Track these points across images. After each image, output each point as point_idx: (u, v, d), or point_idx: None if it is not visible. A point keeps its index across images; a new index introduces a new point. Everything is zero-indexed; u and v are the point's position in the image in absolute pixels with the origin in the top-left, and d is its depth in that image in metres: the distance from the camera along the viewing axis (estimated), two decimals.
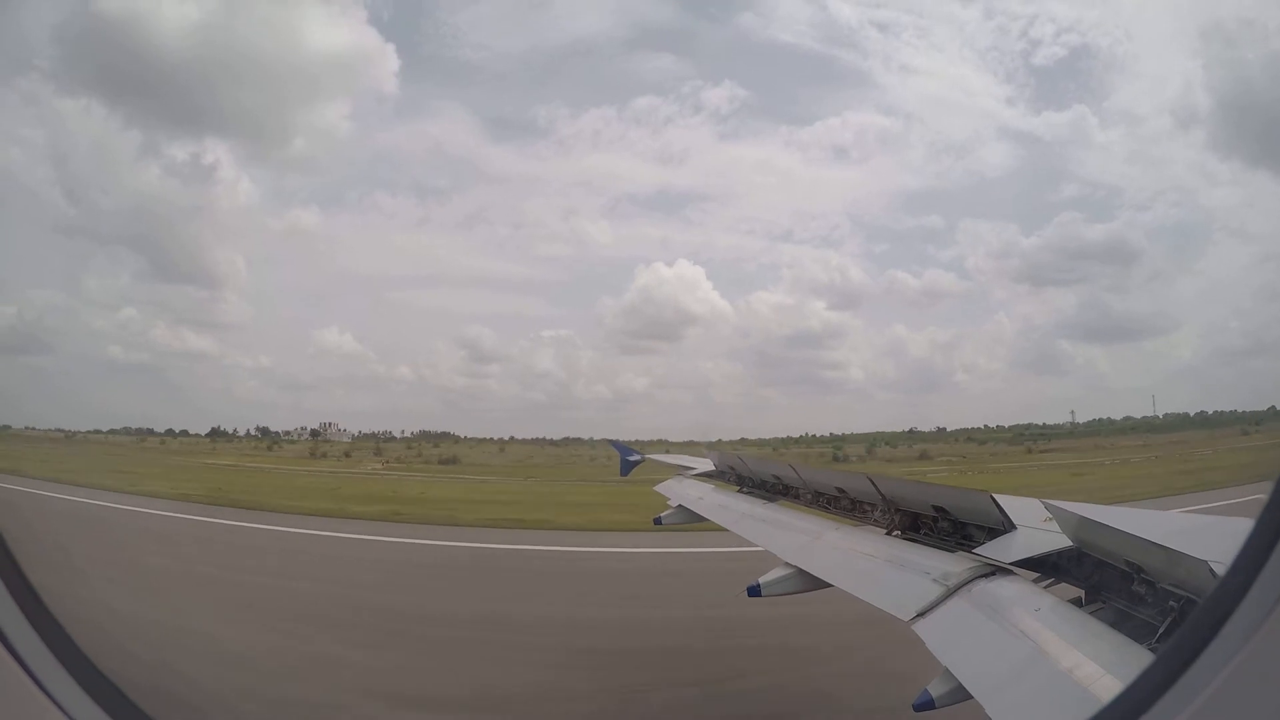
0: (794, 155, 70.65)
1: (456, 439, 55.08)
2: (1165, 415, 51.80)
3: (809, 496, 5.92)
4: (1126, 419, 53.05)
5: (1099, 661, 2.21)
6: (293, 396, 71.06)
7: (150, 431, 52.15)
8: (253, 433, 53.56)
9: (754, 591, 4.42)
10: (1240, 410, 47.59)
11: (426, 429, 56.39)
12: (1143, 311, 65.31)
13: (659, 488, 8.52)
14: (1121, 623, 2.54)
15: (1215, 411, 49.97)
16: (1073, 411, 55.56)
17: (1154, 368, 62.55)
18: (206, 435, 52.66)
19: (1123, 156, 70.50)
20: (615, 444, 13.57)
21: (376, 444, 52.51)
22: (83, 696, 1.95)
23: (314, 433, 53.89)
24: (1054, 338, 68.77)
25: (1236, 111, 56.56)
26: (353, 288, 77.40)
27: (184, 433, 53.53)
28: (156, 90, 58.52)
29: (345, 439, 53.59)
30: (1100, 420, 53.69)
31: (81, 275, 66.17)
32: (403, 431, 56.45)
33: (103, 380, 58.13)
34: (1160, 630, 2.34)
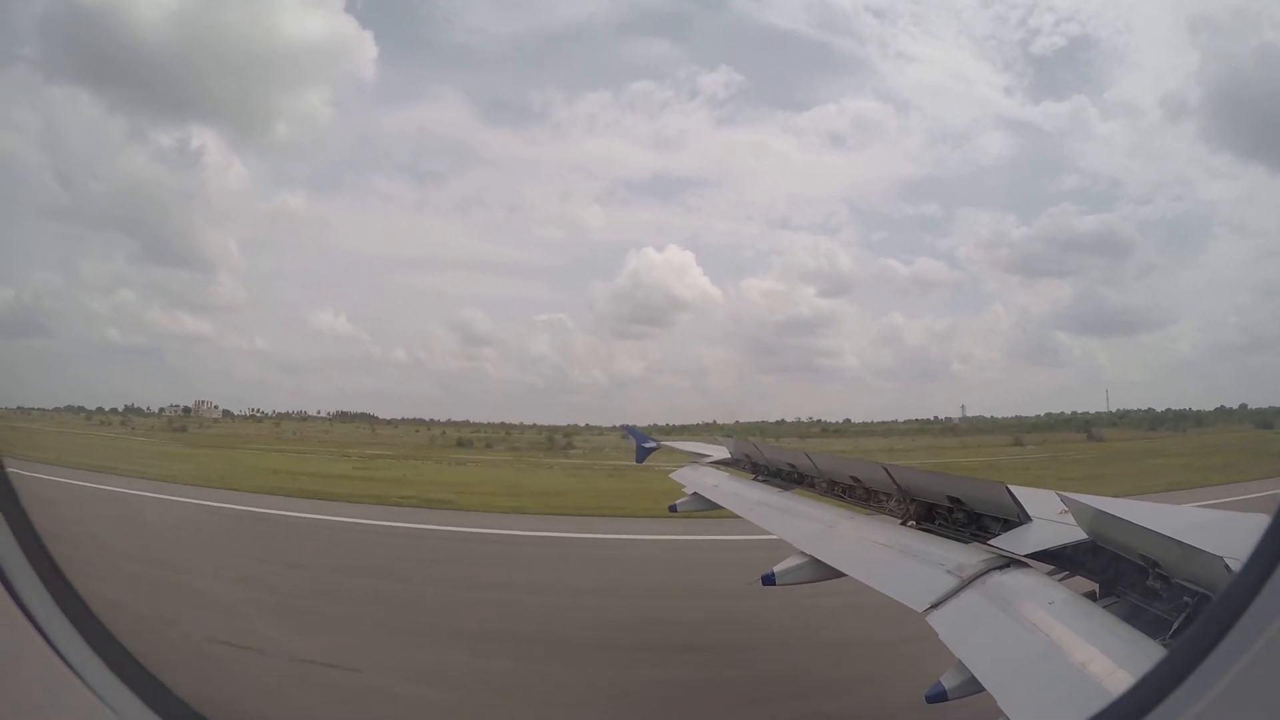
0: (790, 141, 70.07)
1: (375, 419, 57.95)
2: (1118, 410, 51.44)
3: (824, 485, 5.93)
4: (1074, 414, 52.30)
5: (1112, 656, 2.22)
6: (293, 379, 72.44)
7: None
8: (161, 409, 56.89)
9: (768, 580, 4.45)
10: (1195, 409, 47.58)
11: (413, 413, 58.86)
12: (1141, 305, 64.78)
13: (674, 475, 8.58)
14: (1136, 617, 2.54)
15: (1167, 410, 49.61)
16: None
17: (1153, 361, 61.82)
18: (121, 411, 55.47)
19: (1123, 149, 69.18)
20: (630, 430, 13.54)
21: (275, 421, 55.61)
22: (116, 682, 2.04)
23: (186, 410, 56.97)
24: (1050, 329, 68.03)
25: (1235, 104, 55.52)
26: (347, 271, 78.55)
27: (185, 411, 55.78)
28: (138, 78, 59.80)
29: (214, 414, 56.42)
30: (1053, 414, 53.00)
31: (76, 259, 67.75)
32: (318, 412, 59.58)
33: (103, 362, 60.20)
34: (1175, 626, 2.34)
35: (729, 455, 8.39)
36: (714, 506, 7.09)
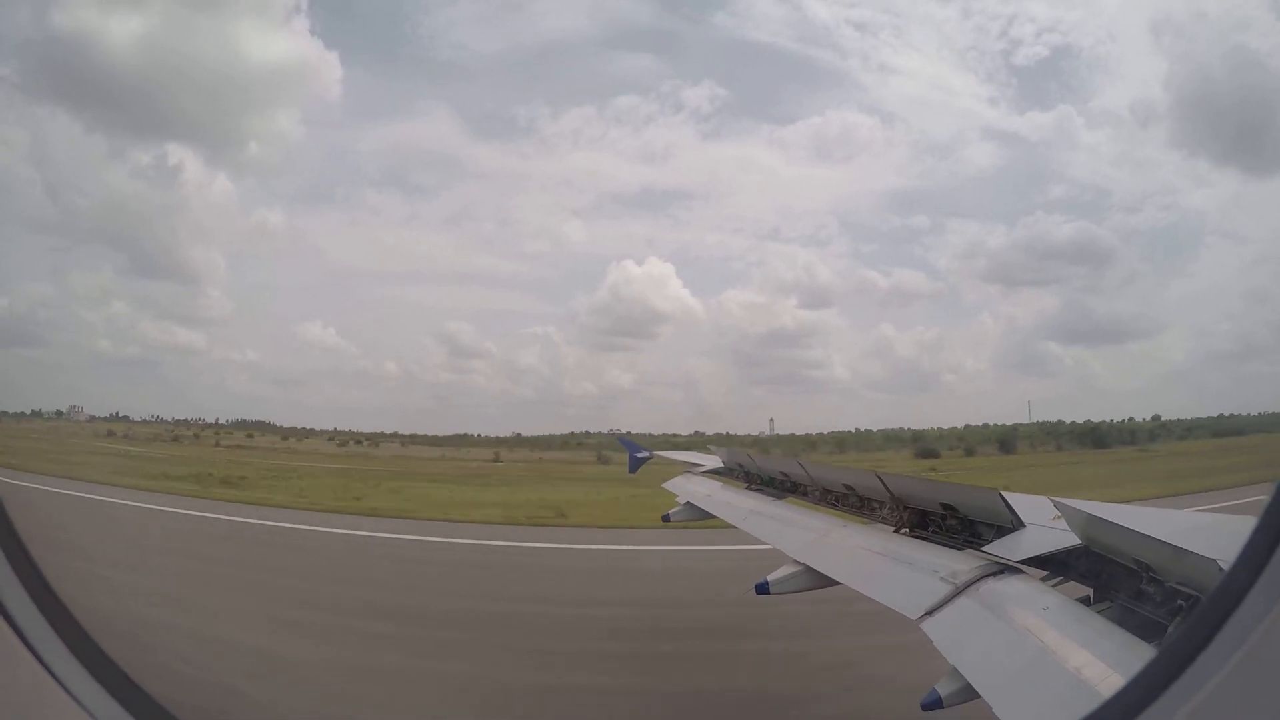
0: (776, 154, 70.36)
1: (275, 426, 57.58)
2: (1040, 421, 51.57)
3: (817, 494, 5.92)
4: (990, 425, 51.98)
5: (1106, 660, 2.22)
6: (285, 391, 72.62)
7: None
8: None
9: (762, 589, 4.43)
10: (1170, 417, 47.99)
11: (345, 422, 59.60)
12: (1131, 313, 65.13)
13: (667, 484, 8.55)
14: (1129, 621, 2.54)
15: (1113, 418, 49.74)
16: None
17: (1146, 370, 62.26)
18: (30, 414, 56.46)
19: (1110, 158, 69.75)
20: (623, 440, 13.53)
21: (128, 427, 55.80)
22: (95, 686, 2.01)
23: (59, 413, 58.04)
24: (1040, 339, 68.42)
25: (1208, 110, 56.36)
26: (337, 284, 78.58)
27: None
28: (112, 98, 61.77)
29: (82, 419, 57.01)
30: (986, 425, 52.59)
31: (67, 271, 68.74)
32: (216, 419, 59.48)
33: (96, 373, 60.97)
34: (1168, 629, 2.35)
35: (722, 464, 8.38)
36: (707, 516, 7.07)
